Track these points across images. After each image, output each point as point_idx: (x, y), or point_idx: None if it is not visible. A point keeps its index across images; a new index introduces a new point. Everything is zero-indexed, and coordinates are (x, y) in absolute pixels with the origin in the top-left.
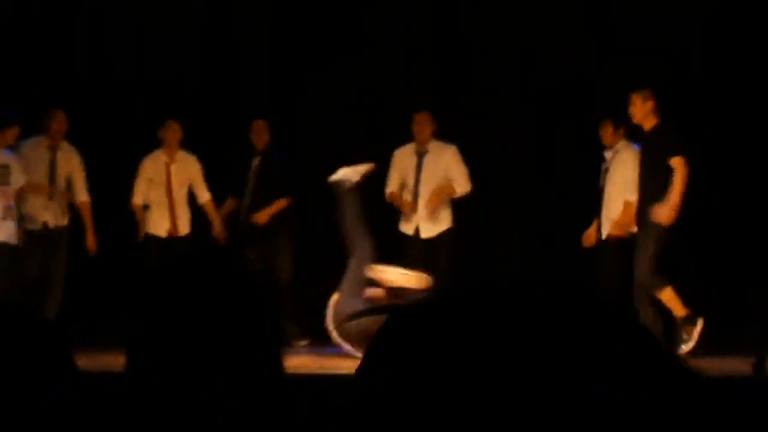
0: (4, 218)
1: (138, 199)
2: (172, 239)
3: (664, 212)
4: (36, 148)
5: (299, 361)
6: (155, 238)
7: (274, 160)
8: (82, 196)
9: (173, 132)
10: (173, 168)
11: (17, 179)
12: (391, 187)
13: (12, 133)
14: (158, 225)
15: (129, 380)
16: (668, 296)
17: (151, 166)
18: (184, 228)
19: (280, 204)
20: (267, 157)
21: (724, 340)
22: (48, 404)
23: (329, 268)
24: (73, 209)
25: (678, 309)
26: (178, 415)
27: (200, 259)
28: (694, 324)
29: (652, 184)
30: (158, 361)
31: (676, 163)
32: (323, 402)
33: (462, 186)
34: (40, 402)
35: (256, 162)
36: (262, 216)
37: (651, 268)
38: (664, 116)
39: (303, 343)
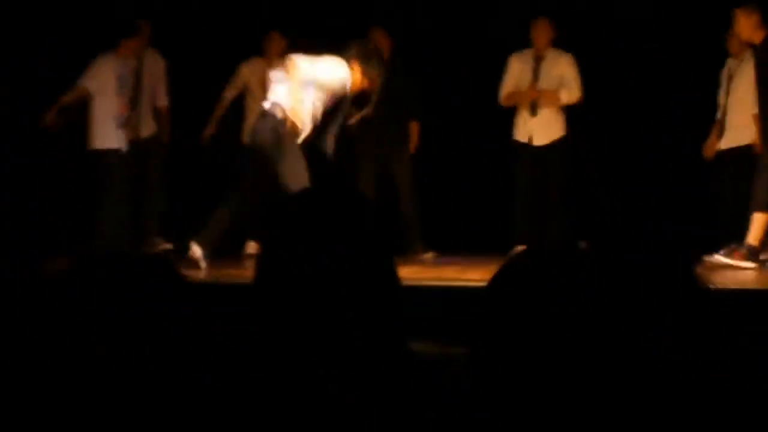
0: (118, 126)
1: (227, 93)
2: None
3: None
4: (122, 57)
5: (414, 272)
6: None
7: (401, 74)
8: (162, 101)
9: (276, 43)
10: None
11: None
12: (504, 88)
13: (132, 44)
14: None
15: (257, 293)
16: (760, 221)
17: (248, 72)
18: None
19: (416, 130)
20: (392, 69)
21: None
22: (169, 332)
23: (456, 183)
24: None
25: (754, 237)
26: (298, 325)
27: (328, 191)
28: (748, 260)
29: None
30: (286, 276)
31: None
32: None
33: (571, 92)
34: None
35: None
36: (412, 146)
37: None
38: None
39: (428, 255)
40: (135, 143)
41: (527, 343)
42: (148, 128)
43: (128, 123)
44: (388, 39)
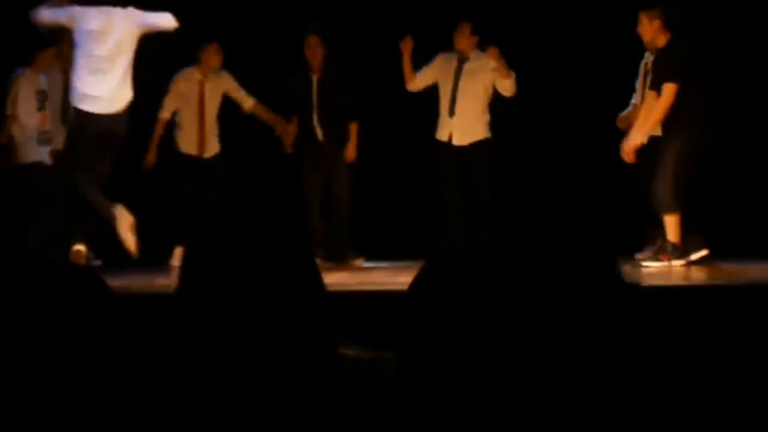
0: (40, 143)
1: (165, 114)
2: (201, 159)
3: (631, 138)
4: (51, 73)
5: (343, 277)
6: (187, 156)
7: (335, 79)
8: None
9: (214, 54)
10: (207, 86)
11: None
12: (418, 74)
13: (48, 55)
14: (189, 144)
15: (180, 301)
16: (673, 220)
17: (184, 84)
18: (213, 148)
19: (354, 130)
20: (327, 75)
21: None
22: (93, 344)
23: (387, 188)
24: None
25: (673, 235)
26: (223, 334)
27: (254, 207)
28: (676, 258)
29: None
30: (209, 285)
31: (666, 88)
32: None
33: (512, 83)
34: (87, 342)
35: (314, 80)
36: (351, 152)
37: (672, 185)
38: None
39: (358, 261)
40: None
41: (450, 342)
42: None
43: (49, 138)
44: (323, 46)
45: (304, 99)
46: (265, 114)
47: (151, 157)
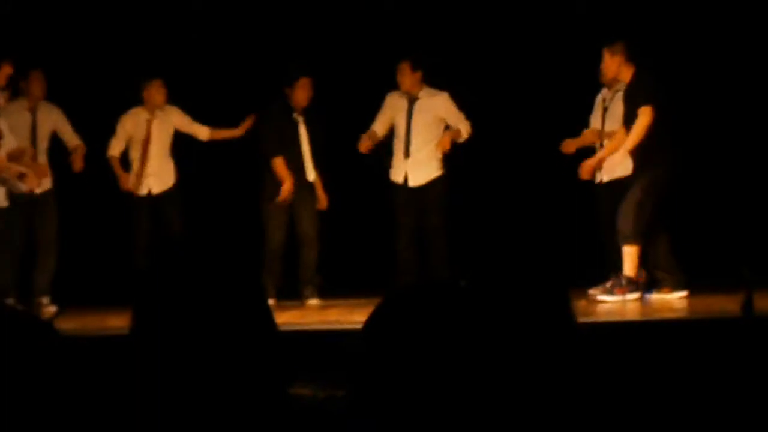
0: None
1: (114, 151)
2: (151, 196)
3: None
4: (16, 111)
5: (298, 316)
6: (137, 196)
7: (320, 120)
8: (76, 141)
9: (156, 91)
10: (155, 123)
11: (8, 143)
12: (375, 126)
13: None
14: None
15: (134, 343)
16: (631, 253)
17: (131, 124)
18: (166, 183)
19: (318, 182)
20: (312, 115)
21: (716, 278)
22: (41, 392)
23: (341, 225)
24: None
25: (630, 269)
26: (179, 375)
27: (204, 244)
28: (631, 292)
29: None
30: (163, 324)
31: (642, 111)
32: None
33: (466, 127)
34: (33, 390)
35: (301, 121)
36: (323, 201)
37: (635, 216)
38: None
39: (313, 301)
40: (28, 199)
41: (402, 379)
42: (42, 184)
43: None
44: (311, 89)
45: (291, 139)
46: (224, 134)
47: (128, 186)
